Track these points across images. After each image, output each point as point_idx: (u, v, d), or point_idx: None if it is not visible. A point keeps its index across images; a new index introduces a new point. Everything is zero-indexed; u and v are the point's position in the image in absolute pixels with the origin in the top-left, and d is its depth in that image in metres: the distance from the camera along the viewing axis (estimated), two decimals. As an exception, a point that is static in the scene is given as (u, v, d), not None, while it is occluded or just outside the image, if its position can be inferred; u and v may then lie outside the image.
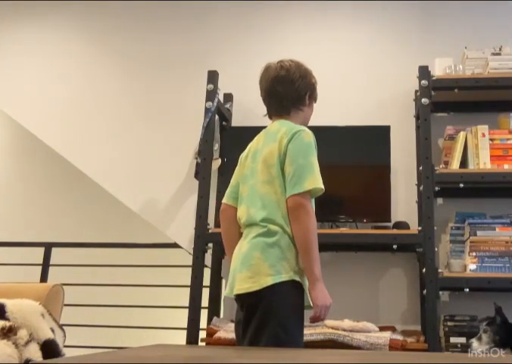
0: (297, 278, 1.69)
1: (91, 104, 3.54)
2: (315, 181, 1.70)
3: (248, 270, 1.69)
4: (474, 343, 2.26)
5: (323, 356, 1.30)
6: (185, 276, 2.80)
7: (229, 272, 1.81)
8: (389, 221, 2.81)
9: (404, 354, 1.51)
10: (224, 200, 1.93)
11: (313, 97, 1.93)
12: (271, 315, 1.64)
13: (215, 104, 2.91)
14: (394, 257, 2.95)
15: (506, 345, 2.25)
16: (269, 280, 1.65)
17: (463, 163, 2.76)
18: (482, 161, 2.71)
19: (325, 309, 1.68)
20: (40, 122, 3.55)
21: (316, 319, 1.69)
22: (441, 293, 2.69)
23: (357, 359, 1.23)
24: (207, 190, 2.80)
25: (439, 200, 3.00)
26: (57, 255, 3.51)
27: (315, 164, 1.74)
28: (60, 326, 2.27)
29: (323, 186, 1.72)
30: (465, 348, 2.45)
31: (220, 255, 3.02)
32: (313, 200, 1.79)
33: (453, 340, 2.57)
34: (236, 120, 3.25)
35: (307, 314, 1.72)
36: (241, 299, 1.72)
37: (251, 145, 1.91)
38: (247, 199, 1.82)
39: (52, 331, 2.16)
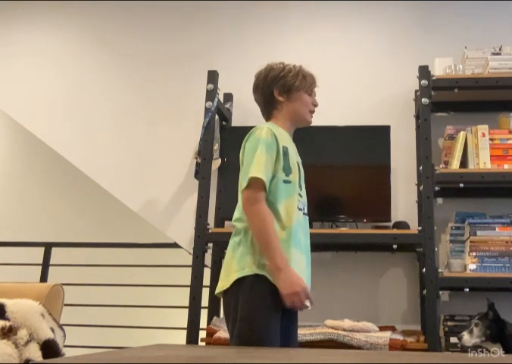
0: (260, 272, 1.67)
1: (90, 104, 3.54)
2: (253, 173, 1.68)
3: (224, 269, 1.77)
4: (465, 335, 2.28)
5: (323, 356, 1.30)
6: (185, 276, 2.80)
7: None
8: (389, 220, 2.81)
9: (404, 354, 1.51)
10: None
11: (289, 89, 1.85)
12: (237, 310, 1.67)
13: (215, 104, 2.91)
14: (394, 257, 2.95)
15: (496, 340, 2.27)
16: (234, 276, 1.69)
17: (463, 163, 2.76)
18: (482, 161, 2.71)
19: (295, 296, 1.63)
20: (40, 122, 3.55)
21: (293, 307, 1.67)
22: (441, 292, 2.70)
23: (357, 359, 1.23)
24: (207, 190, 2.80)
25: (439, 200, 3.00)
26: (57, 255, 3.51)
27: (259, 157, 1.70)
28: (60, 326, 2.27)
29: (258, 175, 1.68)
30: (465, 348, 2.45)
31: (220, 255, 3.01)
32: (293, 192, 1.77)
33: (453, 339, 2.57)
34: (236, 120, 3.25)
35: (300, 312, 1.71)
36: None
37: None
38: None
39: (52, 330, 2.16)
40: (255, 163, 1.70)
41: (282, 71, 1.87)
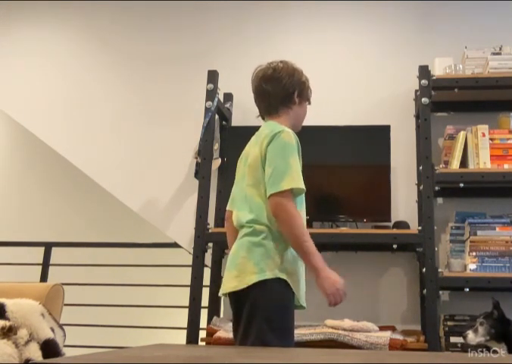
0: (282, 276, 1.69)
1: (90, 103, 3.53)
2: (293, 181, 1.70)
3: (235, 269, 1.73)
4: (470, 334, 2.28)
5: (323, 356, 1.30)
6: (185, 276, 2.80)
7: None
8: (389, 220, 2.81)
9: (404, 354, 1.51)
10: (227, 207, 1.97)
11: (303, 96, 1.91)
12: (256, 312, 1.66)
13: (215, 103, 2.91)
14: (394, 257, 2.95)
15: (501, 339, 2.27)
16: (253, 278, 1.68)
17: (463, 163, 2.76)
18: (482, 161, 2.71)
19: (336, 294, 1.69)
20: (40, 121, 3.55)
21: (334, 305, 1.71)
22: (441, 292, 2.70)
23: (357, 358, 1.23)
24: (207, 190, 2.80)
25: (439, 200, 3.00)
26: (57, 255, 3.51)
27: (294, 164, 1.73)
28: (60, 326, 2.27)
29: (302, 186, 1.73)
30: (465, 347, 2.45)
31: (220, 255, 3.02)
32: (302, 199, 1.81)
33: (453, 339, 2.57)
34: (236, 120, 3.25)
35: (300, 313, 1.72)
36: (230, 298, 1.77)
37: (246, 148, 1.92)
38: (237, 202, 1.86)
39: (52, 330, 2.17)
40: (293, 172, 1.71)
41: (303, 76, 1.92)
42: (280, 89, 1.87)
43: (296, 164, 1.73)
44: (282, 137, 1.75)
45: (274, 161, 1.73)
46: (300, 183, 1.72)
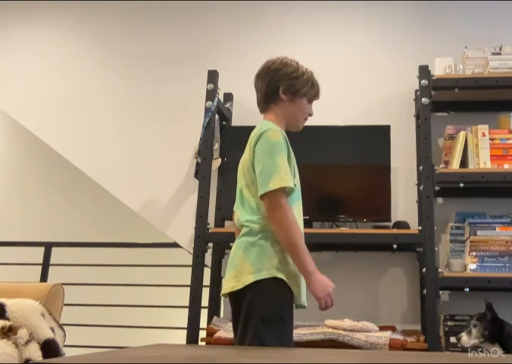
0: (279, 275, 1.69)
1: (90, 103, 3.54)
2: (281, 180, 1.68)
3: (233, 269, 1.73)
4: (463, 336, 2.28)
5: (323, 356, 1.30)
6: (185, 276, 2.80)
7: None
8: (389, 220, 2.81)
9: (404, 354, 1.51)
10: (234, 208, 1.96)
11: (295, 92, 1.83)
12: (253, 312, 1.66)
13: (215, 103, 2.91)
14: (394, 257, 2.95)
15: (494, 340, 2.26)
16: (250, 278, 1.67)
17: (464, 163, 2.76)
18: (482, 161, 2.71)
19: (328, 297, 1.68)
20: (40, 121, 3.55)
21: (325, 309, 1.70)
22: (441, 292, 2.70)
23: (357, 358, 1.23)
24: (207, 190, 2.80)
25: (439, 200, 3.00)
26: (57, 255, 3.51)
27: (281, 162, 1.70)
28: (60, 326, 2.27)
29: (291, 185, 1.70)
30: (464, 348, 2.45)
31: (220, 255, 3.02)
32: (298, 193, 1.80)
33: (453, 339, 2.56)
34: (236, 120, 3.25)
35: (300, 312, 1.71)
36: (229, 298, 1.77)
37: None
38: (236, 203, 1.86)
39: (52, 330, 2.17)
40: (281, 171, 1.69)
41: (296, 72, 1.84)
42: (265, 84, 1.84)
43: (284, 163, 1.71)
44: (268, 136, 1.73)
45: (262, 161, 1.72)
46: (288, 182, 1.70)
